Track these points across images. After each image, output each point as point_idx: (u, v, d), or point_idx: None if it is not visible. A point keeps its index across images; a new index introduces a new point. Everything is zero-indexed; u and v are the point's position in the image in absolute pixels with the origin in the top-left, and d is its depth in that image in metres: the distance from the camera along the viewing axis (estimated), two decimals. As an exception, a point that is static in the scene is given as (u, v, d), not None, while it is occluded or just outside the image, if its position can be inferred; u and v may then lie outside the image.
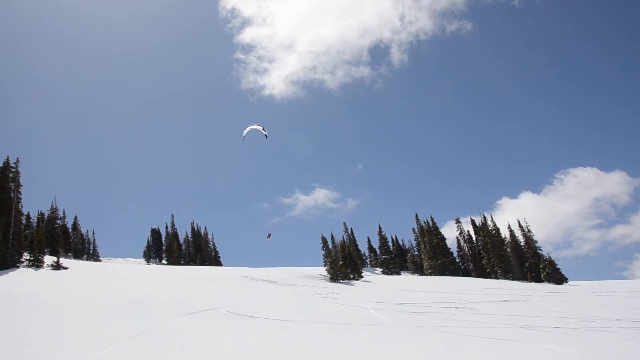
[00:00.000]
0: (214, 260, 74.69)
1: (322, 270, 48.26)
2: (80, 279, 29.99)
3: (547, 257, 56.20)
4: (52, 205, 61.84)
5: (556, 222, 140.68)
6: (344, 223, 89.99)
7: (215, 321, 17.09)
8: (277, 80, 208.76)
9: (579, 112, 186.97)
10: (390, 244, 74.51)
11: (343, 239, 77.21)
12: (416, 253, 74.12)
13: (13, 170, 40.56)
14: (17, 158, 41.07)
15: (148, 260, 72.89)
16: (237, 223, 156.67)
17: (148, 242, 75.82)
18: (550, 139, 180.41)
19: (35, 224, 54.02)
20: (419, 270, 69.51)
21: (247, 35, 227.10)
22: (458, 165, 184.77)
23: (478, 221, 68.12)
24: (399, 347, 13.29)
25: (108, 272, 35.65)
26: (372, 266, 75.71)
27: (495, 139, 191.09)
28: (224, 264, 73.34)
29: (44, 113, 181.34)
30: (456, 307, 24.25)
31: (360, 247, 78.77)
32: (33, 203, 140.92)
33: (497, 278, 58.37)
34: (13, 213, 38.03)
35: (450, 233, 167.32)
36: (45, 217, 59.95)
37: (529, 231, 62.06)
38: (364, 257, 78.21)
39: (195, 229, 77.45)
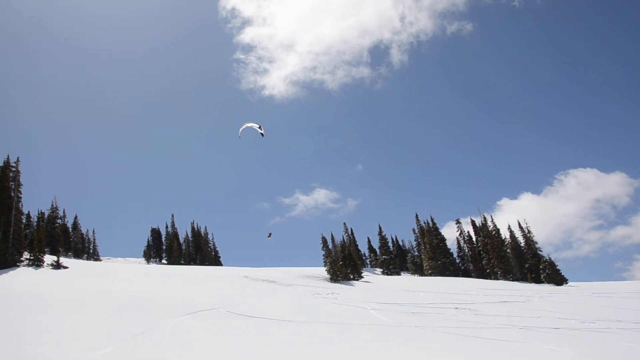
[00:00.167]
0: (214, 260, 74.73)
1: (322, 271, 48.20)
2: (80, 278, 29.98)
3: (547, 258, 56.29)
4: (52, 205, 62.09)
5: (556, 223, 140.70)
6: (344, 223, 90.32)
7: (215, 321, 17.08)
8: (277, 81, 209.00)
9: (579, 113, 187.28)
10: (390, 244, 74.52)
11: (343, 239, 77.39)
12: (416, 253, 74.06)
13: (13, 169, 40.56)
14: (18, 157, 41.12)
15: (148, 260, 72.91)
16: (237, 223, 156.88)
17: (148, 241, 75.92)
18: (550, 139, 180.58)
19: (35, 224, 54.09)
20: (419, 270, 69.53)
21: (247, 36, 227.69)
22: (458, 165, 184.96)
23: (478, 222, 68.25)
24: (398, 348, 13.30)
25: (108, 271, 35.63)
26: (372, 266, 75.71)
27: (495, 140, 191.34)
28: (224, 264, 73.44)
29: (44, 113, 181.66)
30: (456, 308, 24.24)
31: (360, 248, 78.99)
32: (33, 202, 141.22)
33: (497, 279, 58.31)
34: (13, 212, 38.03)
35: (450, 233, 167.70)
36: (46, 216, 60.04)
37: (529, 232, 62.07)
38: (364, 258, 78.26)
39: (195, 228, 77.54)
